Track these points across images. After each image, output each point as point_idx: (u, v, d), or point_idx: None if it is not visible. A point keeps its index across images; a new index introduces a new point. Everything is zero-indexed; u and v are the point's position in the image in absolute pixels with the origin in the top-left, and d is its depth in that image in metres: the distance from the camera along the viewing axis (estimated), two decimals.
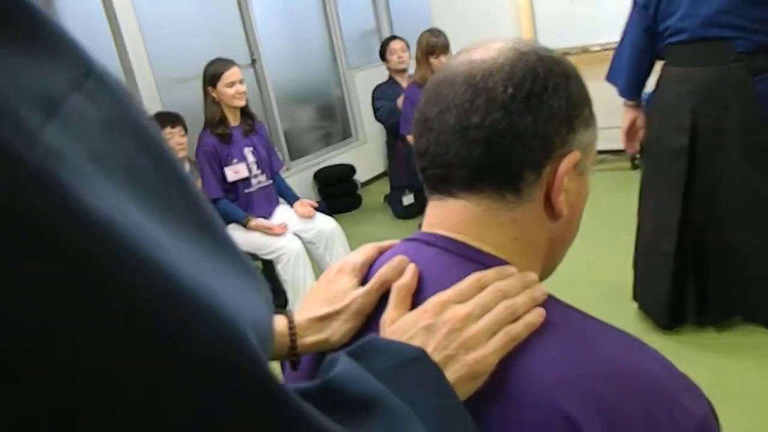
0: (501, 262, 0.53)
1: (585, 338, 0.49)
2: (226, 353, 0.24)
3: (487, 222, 0.54)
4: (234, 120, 2.84)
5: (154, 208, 0.25)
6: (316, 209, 3.02)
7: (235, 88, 2.74)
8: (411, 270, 0.53)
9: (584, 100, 0.55)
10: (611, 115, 4.41)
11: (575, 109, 0.53)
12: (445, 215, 0.56)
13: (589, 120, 0.55)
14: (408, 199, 4.19)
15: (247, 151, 2.87)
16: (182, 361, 0.22)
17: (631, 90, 2.44)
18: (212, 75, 2.74)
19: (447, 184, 0.55)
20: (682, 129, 2.12)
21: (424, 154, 0.56)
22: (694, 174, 2.14)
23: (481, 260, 0.53)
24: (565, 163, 0.52)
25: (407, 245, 0.58)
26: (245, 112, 2.89)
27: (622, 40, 2.38)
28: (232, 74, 2.74)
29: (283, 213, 3.00)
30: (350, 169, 4.89)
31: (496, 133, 0.51)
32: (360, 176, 4.99)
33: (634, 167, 4.42)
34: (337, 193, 4.76)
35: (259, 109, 4.39)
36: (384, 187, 4.78)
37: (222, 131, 2.78)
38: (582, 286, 2.60)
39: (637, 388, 0.45)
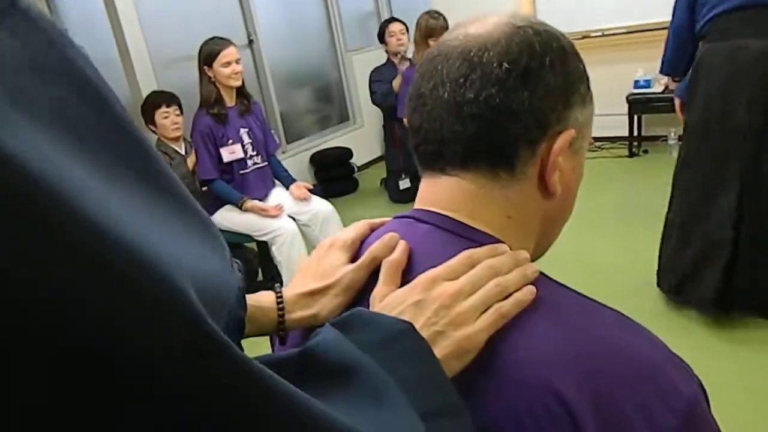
0: (493, 240, 0.52)
1: (575, 316, 0.48)
2: (153, 295, 0.23)
3: (480, 199, 0.53)
4: (230, 100, 2.82)
5: (87, 154, 0.24)
6: (312, 192, 3.01)
7: (231, 67, 2.71)
8: (402, 246, 0.53)
9: (581, 77, 0.54)
10: (609, 103, 4.45)
11: (572, 85, 0.53)
12: (438, 192, 0.55)
13: (586, 98, 0.54)
14: (404, 183, 4.18)
15: (243, 132, 2.85)
16: (104, 299, 0.22)
17: (674, 67, 2.35)
18: (208, 54, 2.71)
19: (440, 160, 0.54)
20: (739, 107, 1.97)
21: (418, 130, 0.55)
22: (755, 156, 2.00)
23: (473, 237, 0.52)
24: (560, 141, 0.51)
25: (399, 222, 0.57)
26: (241, 93, 2.86)
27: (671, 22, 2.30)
28: (228, 54, 2.71)
29: (278, 195, 2.99)
30: (347, 153, 4.87)
31: (490, 108, 0.50)
32: (357, 160, 4.97)
33: (632, 155, 4.42)
34: (333, 176, 4.75)
35: (256, 91, 4.36)
36: (381, 172, 4.77)
37: (218, 111, 2.76)
38: (591, 273, 2.61)
39: (626, 366, 0.45)
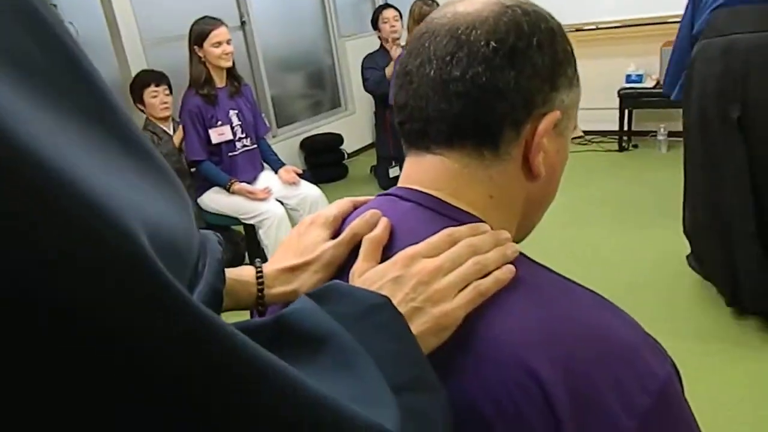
0: (475, 220, 0.52)
1: (553, 296, 0.48)
2: (100, 240, 0.22)
3: (464, 179, 0.53)
4: (220, 81, 2.79)
5: (40, 97, 0.23)
6: (301, 176, 3.00)
7: (221, 48, 2.68)
8: (383, 224, 0.53)
9: (568, 59, 0.54)
10: (601, 97, 4.46)
11: (559, 67, 0.52)
12: (422, 171, 0.55)
13: (573, 80, 0.54)
14: (394, 171, 4.17)
15: (233, 114, 2.83)
16: (53, 243, 0.21)
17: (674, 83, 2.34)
18: (198, 33, 2.68)
19: (425, 139, 0.54)
20: (734, 101, 1.96)
21: (404, 107, 0.55)
22: (755, 149, 1.98)
23: (455, 216, 0.52)
24: (545, 123, 0.51)
25: (382, 200, 0.57)
26: (231, 74, 2.84)
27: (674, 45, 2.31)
28: (219, 34, 2.68)
29: (267, 178, 2.97)
30: (338, 139, 4.85)
31: (476, 87, 0.50)
32: (347, 146, 4.95)
33: (621, 149, 4.44)
34: (323, 162, 4.73)
35: (247, 74, 4.32)
36: (371, 159, 4.76)
37: (207, 92, 2.73)
38: (579, 266, 2.63)
39: (601, 346, 0.45)
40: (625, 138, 4.47)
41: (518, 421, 0.43)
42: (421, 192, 0.54)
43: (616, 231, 3.11)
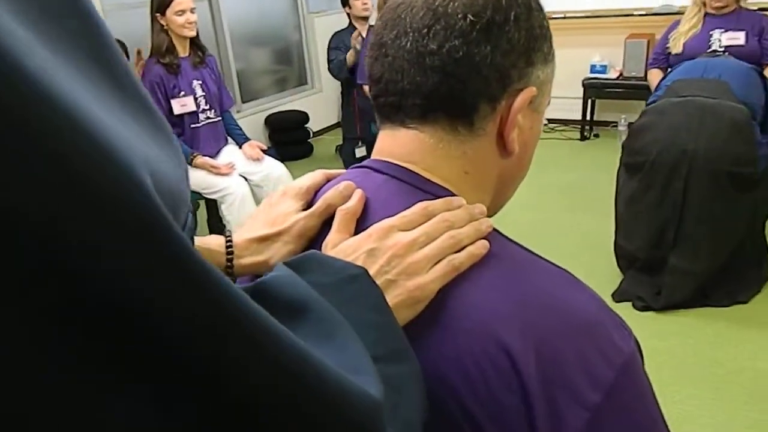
0: (450, 194, 0.52)
1: (525, 272, 0.49)
2: (114, 187, 0.21)
3: (439, 153, 0.53)
4: (183, 50, 2.71)
5: (42, 30, 0.22)
6: (266, 153, 2.95)
7: (185, 17, 2.60)
8: (357, 195, 0.52)
9: (545, 35, 0.54)
10: (565, 86, 4.51)
11: (535, 42, 0.52)
12: (397, 144, 0.54)
13: (548, 56, 0.54)
14: (361, 151, 4.13)
15: (196, 84, 2.75)
16: (64, 190, 0.20)
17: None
18: (161, 1, 2.59)
19: (399, 112, 0.53)
20: (685, 148, 2.25)
21: (378, 80, 0.54)
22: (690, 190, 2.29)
23: (429, 190, 0.52)
24: (520, 99, 0.51)
25: (356, 172, 0.56)
26: (195, 44, 2.76)
27: None
28: (182, 2, 2.59)
29: (230, 153, 2.92)
30: (303, 117, 4.79)
31: (452, 61, 0.49)
32: (313, 125, 4.90)
33: (583, 138, 4.52)
34: (288, 140, 4.67)
35: (212, 46, 4.21)
36: (336, 138, 4.72)
37: (169, 61, 2.65)
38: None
39: (570, 321, 0.46)
40: (587, 127, 4.55)
41: (487, 394, 0.43)
42: (395, 165, 0.54)
43: (573, 218, 3.19)
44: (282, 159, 3.19)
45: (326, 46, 4.04)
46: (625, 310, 2.33)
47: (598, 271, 2.59)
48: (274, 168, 2.91)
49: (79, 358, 0.21)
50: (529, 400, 0.42)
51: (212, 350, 0.23)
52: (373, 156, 0.57)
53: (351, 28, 4.02)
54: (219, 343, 0.23)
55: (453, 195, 0.52)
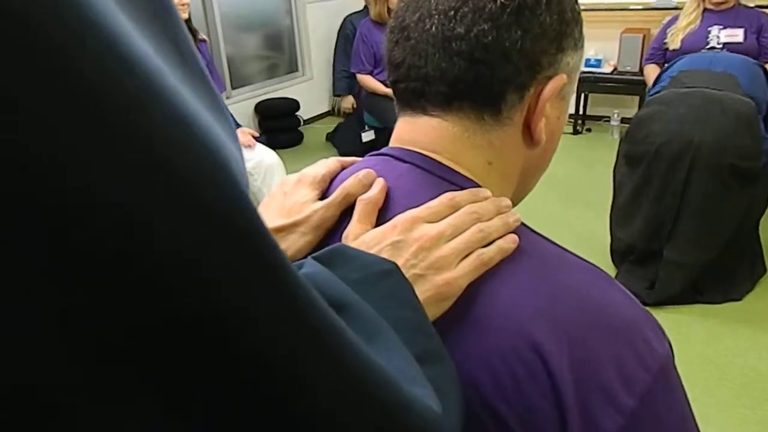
0: (475, 185, 0.50)
1: (556, 269, 0.46)
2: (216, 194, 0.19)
3: (463, 143, 0.50)
4: None
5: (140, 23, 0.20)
6: (257, 140, 2.90)
7: None
8: (379, 184, 0.49)
9: (576, 19, 0.51)
10: None
11: (567, 27, 0.50)
12: (418, 132, 0.51)
13: (578, 41, 0.52)
14: (368, 136, 4.02)
15: None
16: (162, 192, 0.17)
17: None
18: None
19: (421, 99, 0.50)
20: (689, 140, 2.23)
21: (399, 65, 0.51)
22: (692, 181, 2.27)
23: (455, 181, 0.49)
24: (550, 87, 0.49)
25: (375, 159, 0.54)
26: (187, 27, 2.69)
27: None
28: None
29: None
30: (294, 104, 4.72)
31: (480, 46, 0.46)
32: (303, 113, 4.84)
33: (576, 133, 4.52)
34: (278, 127, 4.61)
35: (202, 30, 4.12)
36: (327, 126, 4.67)
37: None
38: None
39: (604, 321, 0.43)
40: (579, 121, 4.55)
41: (517, 396, 0.41)
42: (418, 153, 0.51)
43: (564, 211, 3.18)
44: (272, 147, 3.13)
45: (317, 34, 3.95)
46: None
47: None
48: (265, 156, 2.86)
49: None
50: (561, 403, 0.40)
51: (290, 364, 0.21)
52: (393, 143, 0.54)
53: (365, 10, 3.88)
54: (300, 359, 0.22)
55: (478, 186, 0.50)
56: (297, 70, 5.17)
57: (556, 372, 0.40)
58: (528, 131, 0.51)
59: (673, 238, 2.31)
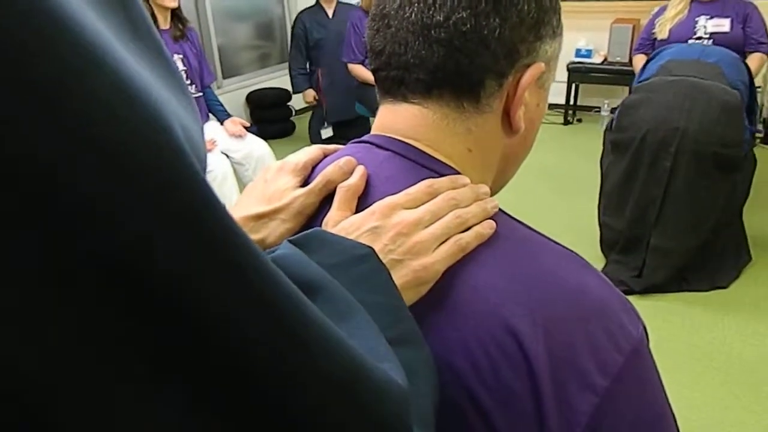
0: (454, 172, 0.50)
1: (533, 253, 0.47)
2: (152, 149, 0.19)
3: (442, 130, 0.51)
4: (164, 22, 2.63)
5: None
6: (247, 130, 2.90)
7: None
8: (359, 171, 0.50)
9: (554, 7, 0.52)
10: None
11: (545, 15, 0.50)
12: (398, 120, 0.52)
13: (557, 29, 0.52)
14: (327, 132, 4.02)
15: (177, 58, 2.68)
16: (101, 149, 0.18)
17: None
18: None
19: (402, 87, 0.51)
20: (676, 127, 2.27)
21: (380, 53, 0.51)
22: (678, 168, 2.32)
23: (434, 168, 0.50)
24: (528, 75, 0.49)
25: (356, 147, 0.54)
26: (176, 16, 2.67)
27: None
28: None
29: (211, 129, 2.86)
30: (285, 95, 4.71)
31: (459, 34, 0.47)
32: (295, 103, 4.82)
33: (567, 123, 4.53)
34: (270, 117, 4.60)
35: (193, 19, 4.10)
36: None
37: None
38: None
39: (579, 304, 0.44)
40: (570, 112, 4.56)
41: (495, 379, 0.42)
42: (398, 140, 0.51)
43: (553, 201, 3.21)
44: (263, 137, 3.13)
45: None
46: None
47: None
48: (256, 146, 2.86)
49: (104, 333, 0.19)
50: (537, 385, 0.41)
51: (245, 332, 0.22)
52: (374, 131, 0.54)
53: (317, 5, 3.88)
54: (256, 326, 0.22)
55: (457, 173, 0.50)
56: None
57: (531, 355, 0.41)
58: (507, 119, 0.51)
59: (659, 225, 2.34)
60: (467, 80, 0.49)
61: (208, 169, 2.63)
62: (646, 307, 2.31)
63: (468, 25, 0.47)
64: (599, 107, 4.44)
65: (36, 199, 0.17)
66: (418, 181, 0.47)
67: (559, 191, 3.33)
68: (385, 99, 0.53)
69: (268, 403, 0.23)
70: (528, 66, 0.49)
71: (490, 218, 0.47)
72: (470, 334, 0.43)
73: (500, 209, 0.50)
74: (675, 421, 0.47)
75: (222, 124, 2.88)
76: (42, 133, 0.17)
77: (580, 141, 4.20)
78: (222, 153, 2.76)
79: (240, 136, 2.83)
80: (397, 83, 0.51)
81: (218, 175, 2.65)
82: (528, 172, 3.76)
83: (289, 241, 0.38)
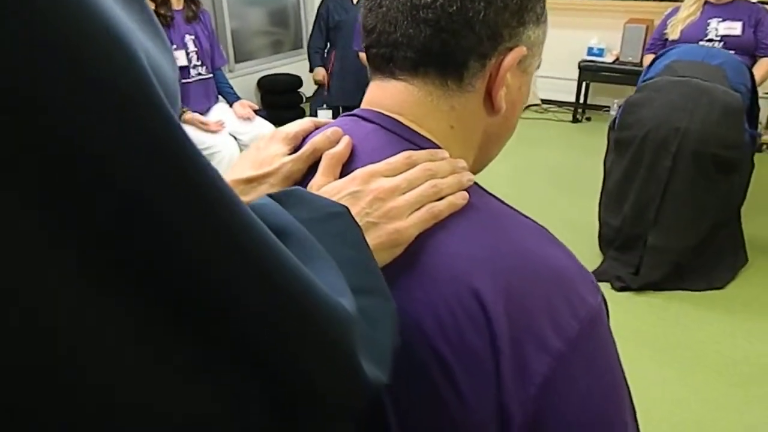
0: (435, 146, 0.53)
1: (501, 224, 0.50)
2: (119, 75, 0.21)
3: (427, 106, 0.53)
4: (177, 2, 2.66)
5: None
6: (257, 113, 2.93)
7: None
8: (345, 141, 0.53)
9: None
10: (560, 67, 4.50)
11: (529, 2, 0.53)
12: (386, 95, 0.55)
13: (540, 17, 0.55)
14: (325, 114, 4.04)
15: (188, 39, 2.71)
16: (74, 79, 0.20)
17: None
18: None
19: (390, 64, 0.54)
20: (677, 127, 2.29)
21: (371, 31, 0.54)
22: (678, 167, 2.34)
23: (416, 141, 0.53)
24: (510, 58, 0.52)
25: (345, 119, 0.57)
26: None
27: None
28: None
29: (220, 111, 2.89)
30: (297, 81, 4.73)
31: (446, 15, 0.50)
32: (306, 90, 4.84)
33: (575, 121, 4.53)
34: (280, 103, 4.62)
35: (208, 3, 4.12)
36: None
37: (163, 12, 2.60)
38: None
39: (540, 270, 0.47)
40: (579, 110, 4.56)
41: (458, 338, 0.45)
42: (384, 115, 0.54)
43: (557, 197, 3.22)
44: (273, 122, 3.16)
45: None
46: (603, 290, 2.39)
47: (578, 251, 2.57)
48: (264, 129, 2.89)
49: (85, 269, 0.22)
50: (496, 343, 0.44)
51: (206, 254, 0.24)
52: (363, 105, 0.57)
53: None
54: (215, 247, 0.24)
55: (438, 147, 0.53)
56: (301, 47, 5.16)
57: (492, 317, 0.44)
58: (489, 99, 0.54)
59: (657, 224, 2.36)
60: (452, 59, 0.51)
61: (215, 149, 2.67)
62: (641, 303, 2.33)
63: (454, 7, 0.50)
64: (609, 107, 4.44)
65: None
66: (399, 153, 0.50)
67: (563, 188, 3.35)
68: (375, 75, 0.56)
69: (198, 291, 0.25)
70: (511, 49, 0.52)
71: (464, 190, 0.50)
72: (438, 297, 0.46)
73: (476, 183, 0.53)
74: (629, 395, 0.49)
75: (231, 106, 2.91)
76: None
77: (587, 139, 4.20)
78: (230, 135, 2.79)
79: (248, 119, 2.86)
80: (386, 60, 0.54)
81: (225, 156, 2.69)
82: (534, 167, 3.74)
83: (269, 196, 0.41)
